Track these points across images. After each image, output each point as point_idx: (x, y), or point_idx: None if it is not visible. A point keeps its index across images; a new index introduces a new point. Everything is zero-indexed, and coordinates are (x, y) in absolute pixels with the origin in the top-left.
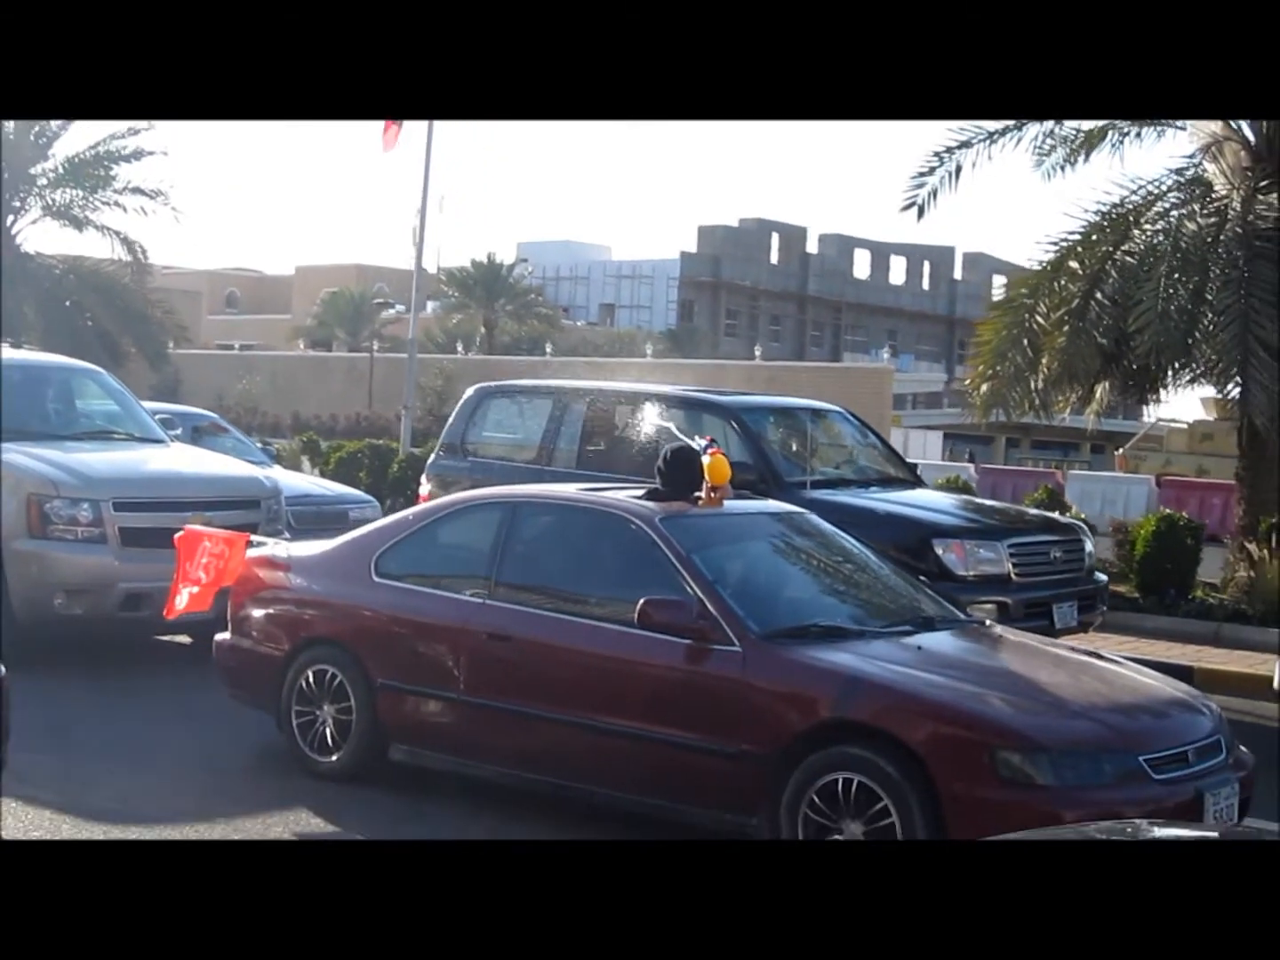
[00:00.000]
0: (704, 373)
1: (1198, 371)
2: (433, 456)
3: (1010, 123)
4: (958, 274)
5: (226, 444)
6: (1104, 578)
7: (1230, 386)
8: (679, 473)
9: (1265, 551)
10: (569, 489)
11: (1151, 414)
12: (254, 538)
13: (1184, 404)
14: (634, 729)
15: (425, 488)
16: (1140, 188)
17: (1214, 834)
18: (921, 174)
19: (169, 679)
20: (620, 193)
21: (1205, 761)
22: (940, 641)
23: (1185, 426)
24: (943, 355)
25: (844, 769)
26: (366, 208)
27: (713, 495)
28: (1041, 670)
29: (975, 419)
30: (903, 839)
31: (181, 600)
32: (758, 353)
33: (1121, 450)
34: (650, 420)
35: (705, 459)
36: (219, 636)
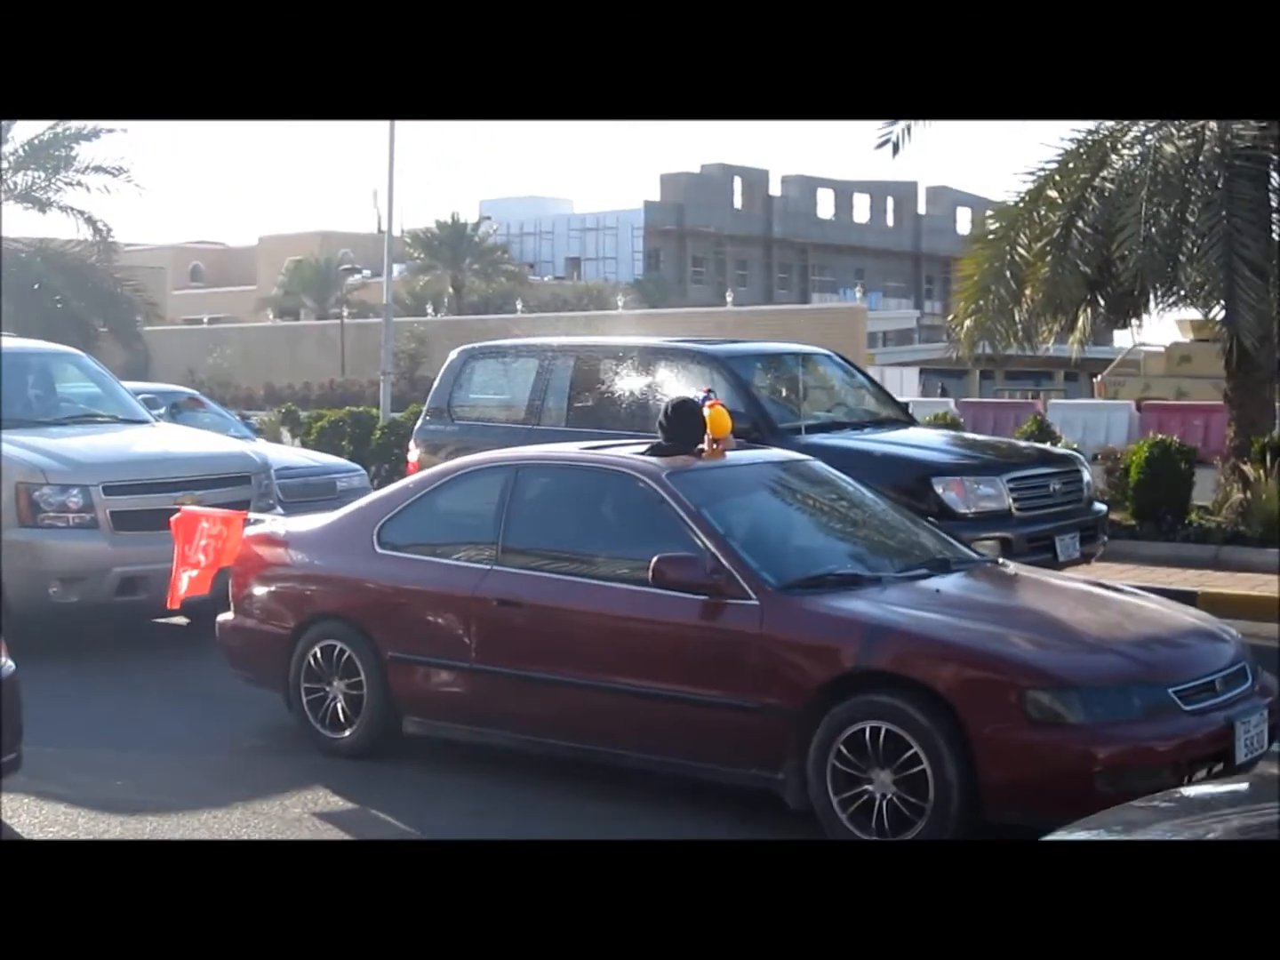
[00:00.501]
0: (677, 321)
1: (1181, 294)
2: (419, 421)
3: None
4: (921, 209)
5: (206, 420)
6: (1103, 507)
7: (1217, 308)
8: (681, 426)
9: (1260, 472)
10: (571, 449)
11: (1131, 338)
12: (251, 515)
13: (1157, 329)
14: (653, 689)
15: (414, 454)
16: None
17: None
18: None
19: (170, 663)
20: (581, 145)
21: (1232, 690)
22: (957, 584)
23: (1162, 350)
24: (910, 291)
25: (870, 718)
26: (327, 173)
27: (715, 447)
28: (1062, 607)
29: (961, 354)
30: (934, 785)
31: (183, 585)
32: (729, 298)
33: (1100, 377)
34: (640, 373)
35: (705, 411)
36: (221, 617)
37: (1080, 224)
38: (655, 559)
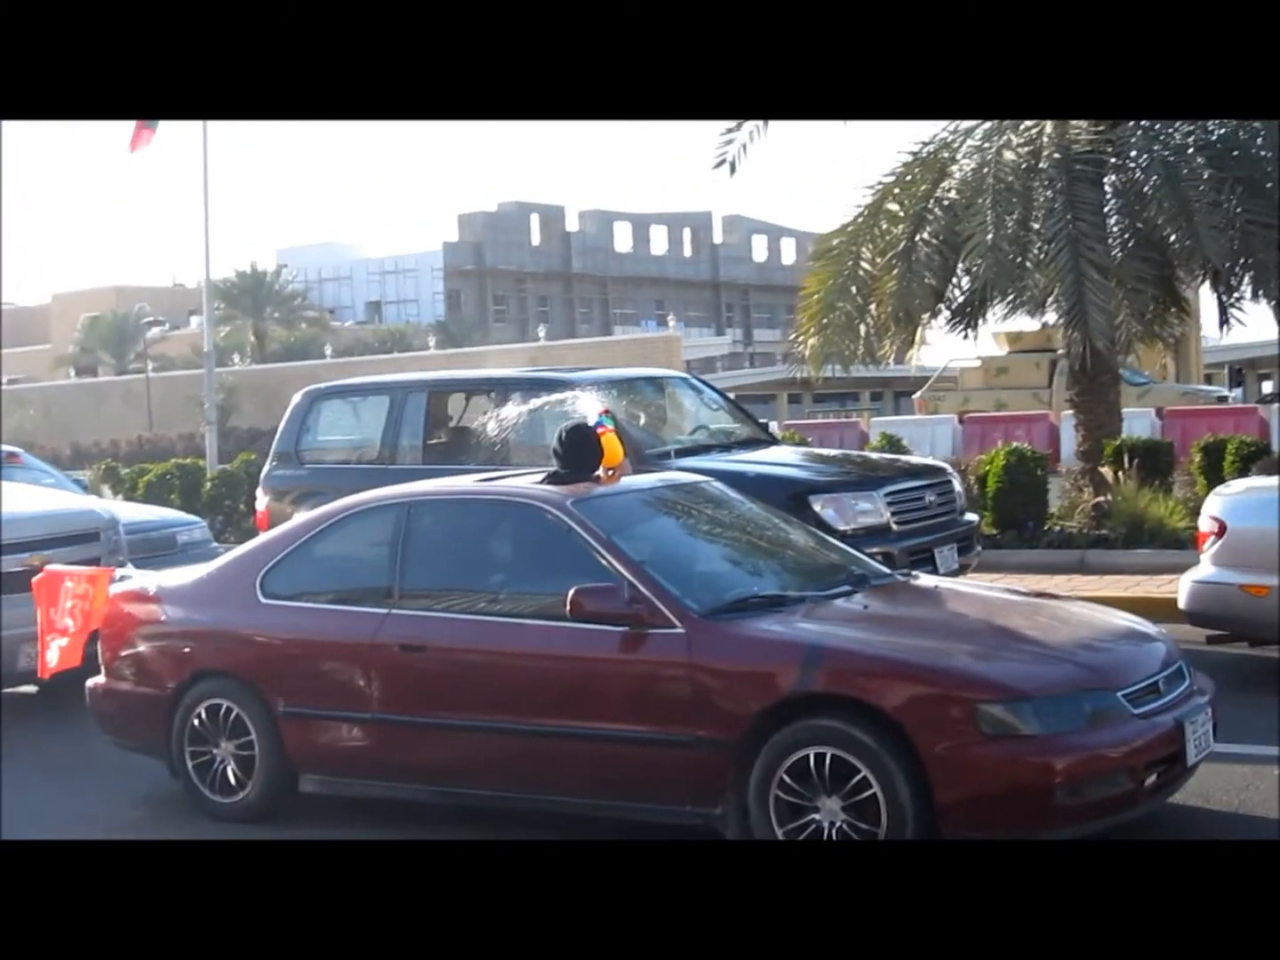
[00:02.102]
0: (492, 359)
1: (1023, 300)
2: (266, 468)
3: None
4: (718, 238)
5: (29, 478)
6: (975, 517)
7: (1068, 311)
8: (577, 452)
9: (1119, 473)
10: (465, 482)
11: (917, 357)
12: (118, 572)
13: (954, 345)
14: (575, 728)
15: (262, 501)
16: (954, 124)
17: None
18: (730, 129)
19: (27, 735)
20: (374, 190)
21: (1174, 690)
22: (881, 599)
23: (978, 363)
24: (711, 319)
25: (814, 743)
26: (119, 227)
27: (610, 474)
28: (995, 616)
29: (810, 373)
30: (887, 809)
31: (52, 655)
32: (541, 333)
33: (919, 393)
34: (496, 406)
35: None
36: (92, 681)
37: (925, 235)
38: (572, 591)
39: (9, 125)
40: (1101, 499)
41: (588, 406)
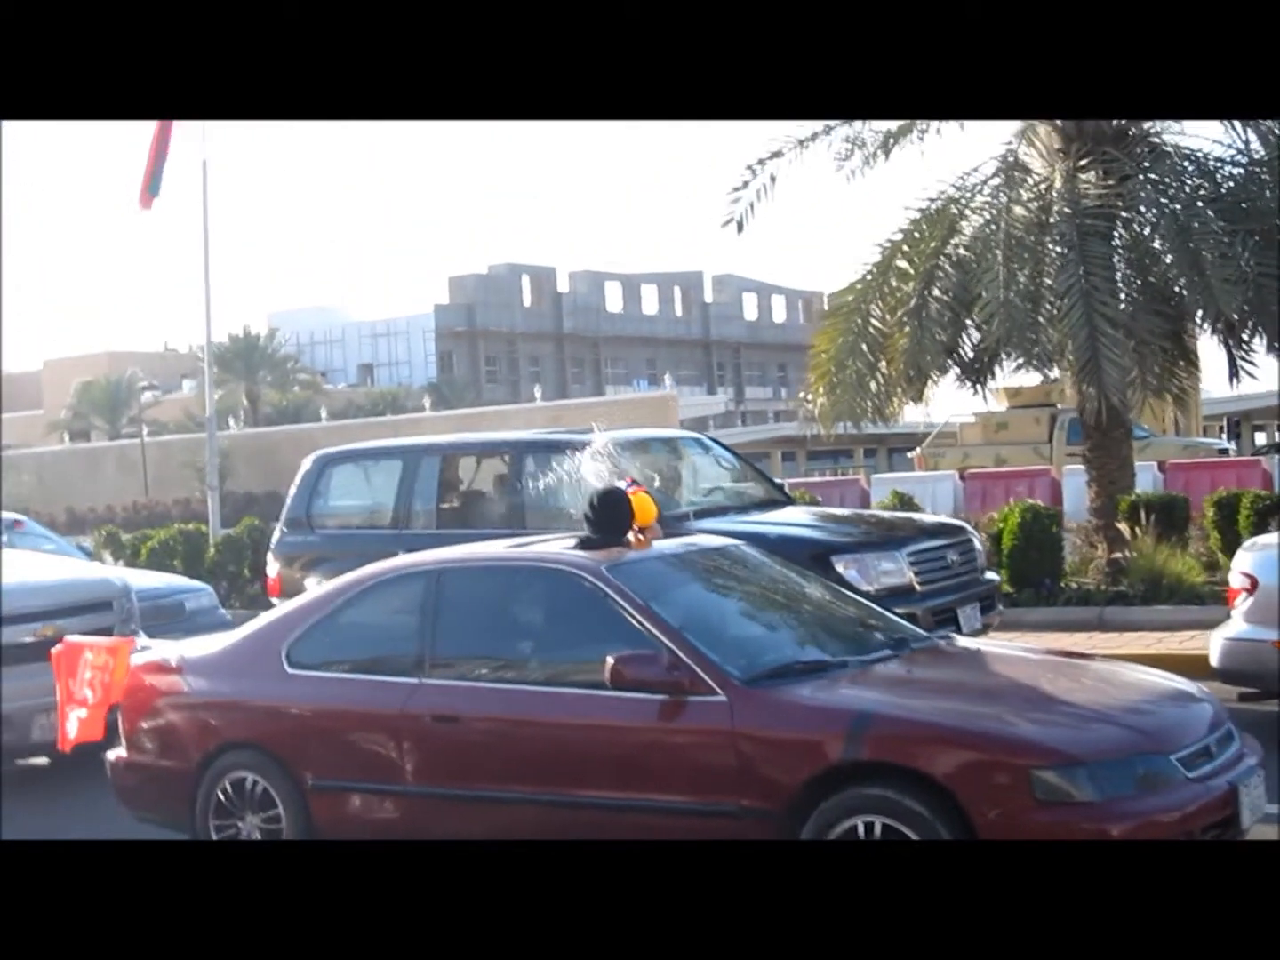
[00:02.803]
0: (489, 420)
1: (1035, 356)
2: (276, 534)
3: (820, 128)
4: (708, 297)
5: (33, 544)
6: (996, 576)
7: (1082, 366)
8: (609, 516)
9: (1136, 529)
10: (495, 548)
11: (988, 400)
12: (139, 642)
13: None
14: (614, 799)
15: (273, 568)
16: (961, 180)
17: None
18: (736, 189)
19: (43, 807)
20: (365, 253)
21: (1226, 752)
22: (924, 663)
23: (976, 419)
24: (703, 378)
25: (863, 812)
26: (109, 292)
27: (642, 537)
28: (1041, 678)
29: (822, 431)
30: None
31: (72, 727)
32: (537, 393)
33: (919, 449)
34: (512, 469)
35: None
36: (112, 754)
37: (936, 292)
38: (612, 659)
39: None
40: (1119, 555)
41: (614, 467)
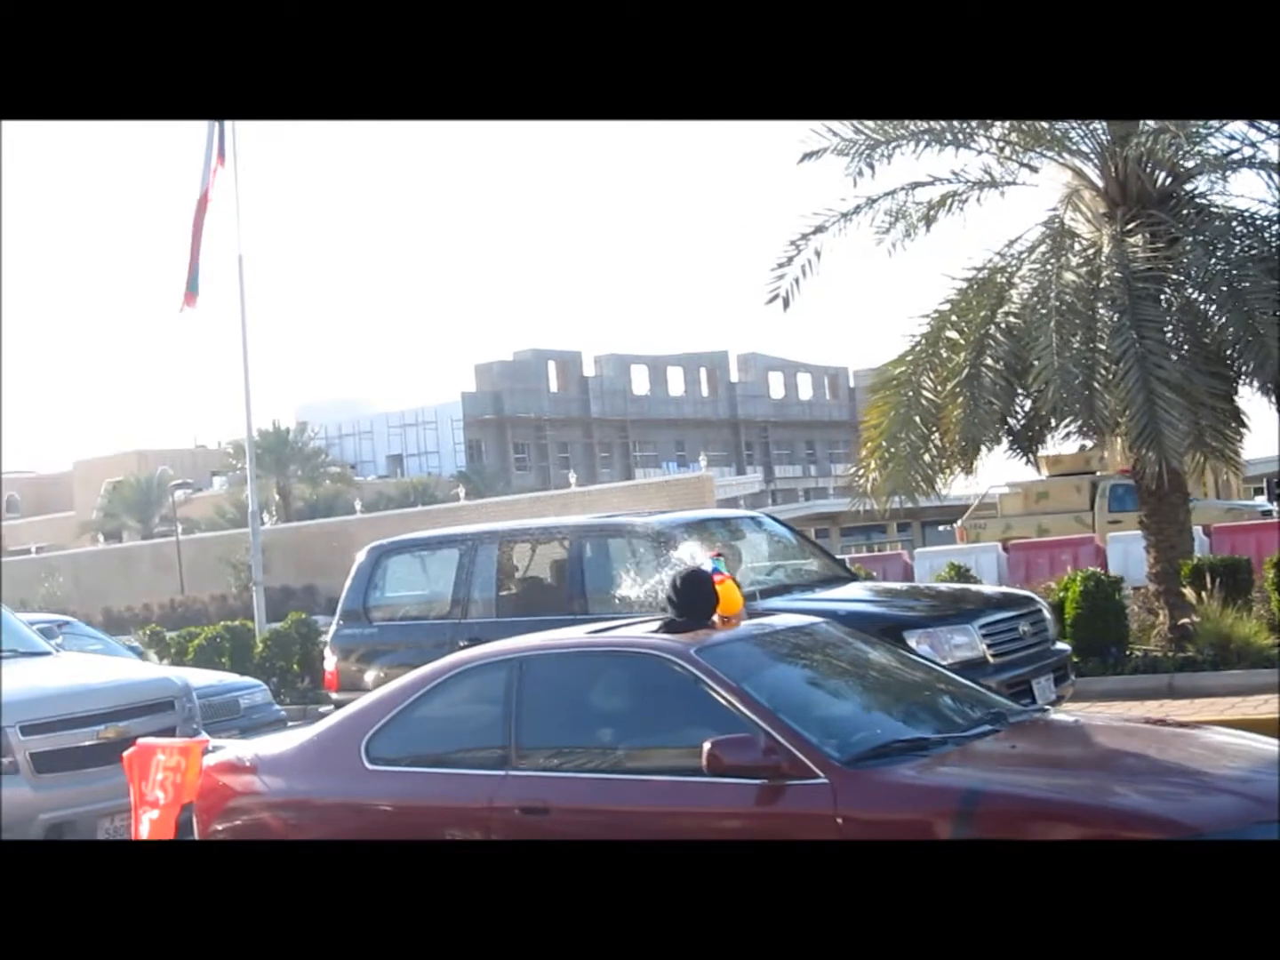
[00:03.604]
0: (526, 507)
1: (1092, 422)
2: (334, 627)
3: (862, 200)
4: (734, 376)
5: (79, 645)
6: (1067, 647)
7: (1140, 431)
8: (693, 599)
9: (1202, 594)
10: (576, 634)
11: (1040, 468)
12: (211, 742)
13: (990, 472)
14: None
15: (331, 661)
16: (1007, 247)
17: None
18: (780, 264)
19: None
20: (390, 344)
21: None
22: (1026, 737)
23: (1017, 489)
24: (731, 459)
25: None
26: (136, 392)
27: (726, 623)
28: (1148, 748)
29: (876, 506)
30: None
31: (144, 829)
32: (571, 479)
33: (960, 522)
34: (572, 554)
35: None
36: None
37: (989, 361)
38: (708, 744)
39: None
40: (1186, 620)
41: (697, 553)
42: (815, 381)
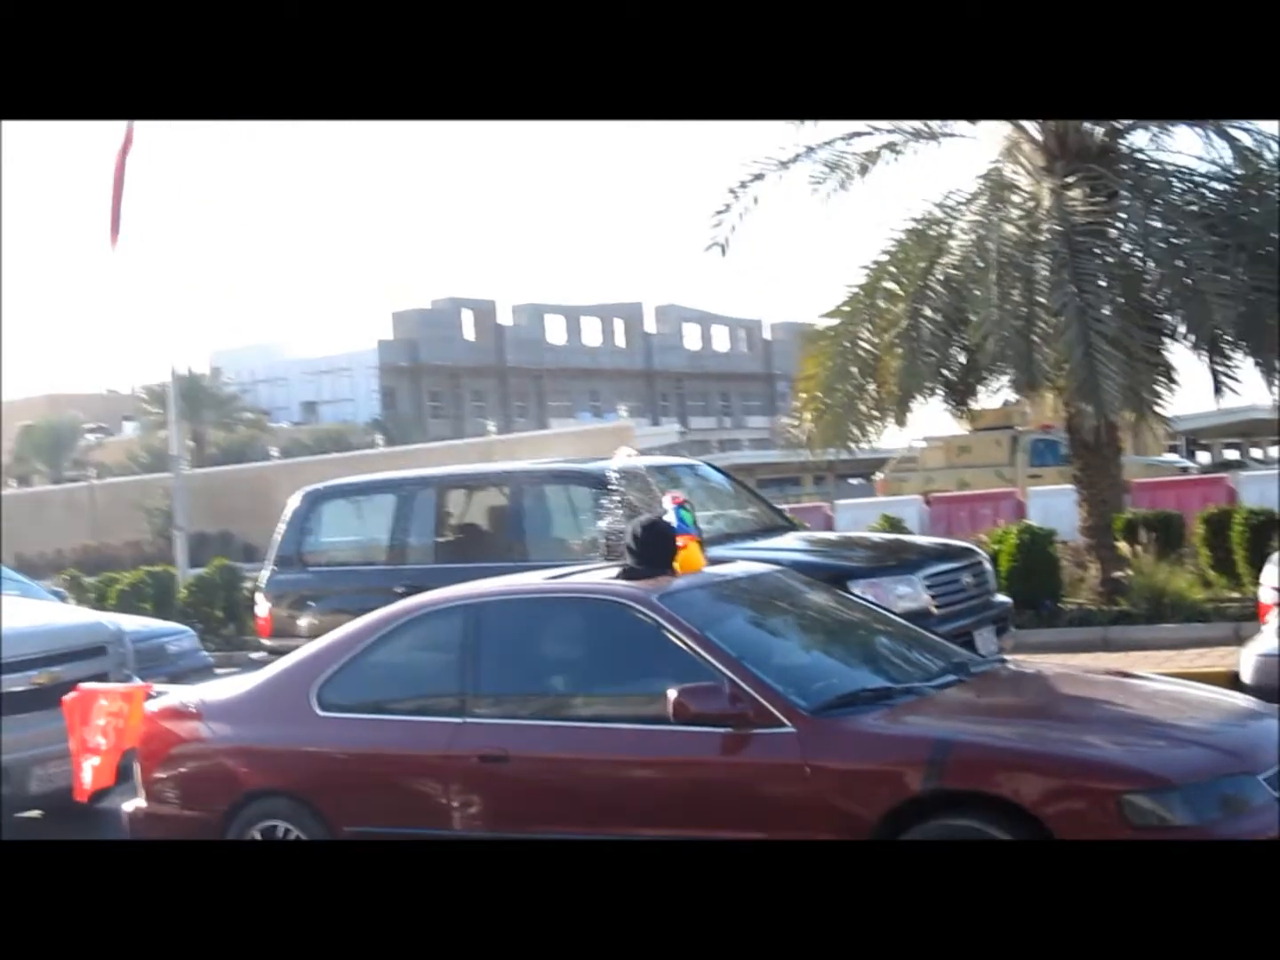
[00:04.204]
0: (446, 454)
1: (1030, 375)
2: (267, 572)
3: (801, 149)
4: (650, 327)
5: (9, 589)
6: (1008, 599)
7: (1080, 385)
8: (654, 548)
9: (1135, 548)
10: (534, 579)
11: (974, 420)
12: (155, 687)
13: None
14: (678, 839)
15: (264, 607)
16: (944, 198)
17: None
18: (719, 212)
19: None
20: (306, 290)
21: None
22: (991, 687)
23: (939, 444)
24: (647, 409)
25: None
26: (48, 335)
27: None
28: (1116, 700)
29: (812, 456)
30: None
31: (86, 776)
32: (491, 428)
33: (881, 474)
34: (514, 500)
35: (678, 541)
36: (129, 805)
37: (928, 312)
38: (674, 692)
39: None
40: (1120, 574)
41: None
42: (731, 334)
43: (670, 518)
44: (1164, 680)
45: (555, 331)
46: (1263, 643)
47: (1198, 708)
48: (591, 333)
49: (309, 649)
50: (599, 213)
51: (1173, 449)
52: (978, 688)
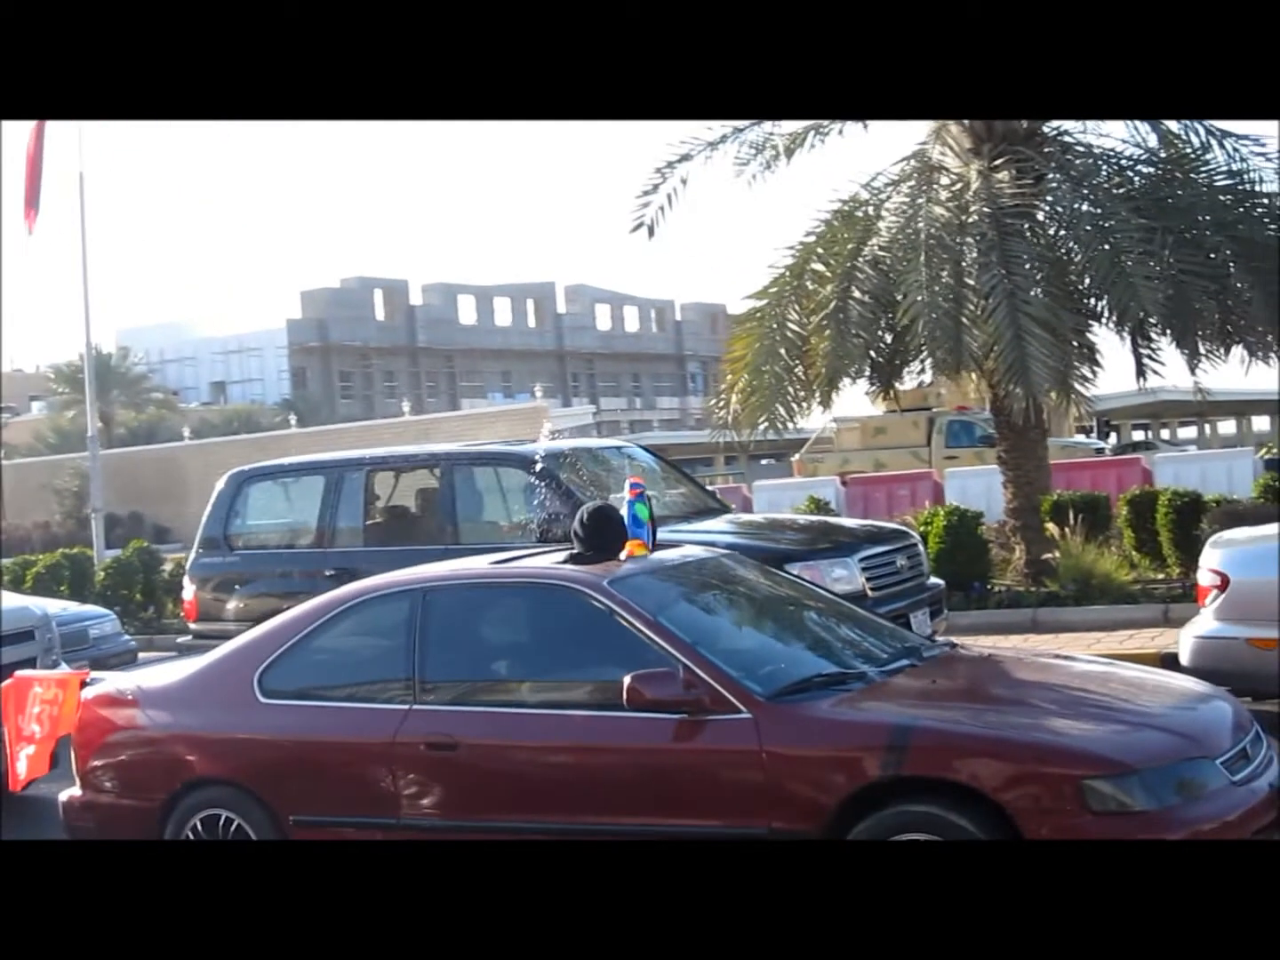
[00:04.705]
0: (360, 435)
1: (960, 356)
2: (192, 555)
3: (729, 129)
4: (561, 308)
5: None
6: (941, 581)
7: (1009, 366)
8: (601, 534)
9: (1064, 530)
10: (479, 564)
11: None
12: (91, 674)
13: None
14: (633, 826)
15: (189, 590)
16: (871, 179)
17: None
18: (646, 192)
19: None
20: (214, 267)
21: (1259, 753)
22: (945, 671)
23: (855, 425)
24: (558, 390)
25: (905, 831)
26: None
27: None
28: (1070, 684)
29: (740, 437)
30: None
31: (21, 766)
32: (405, 408)
33: (797, 456)
34: (446, 482)
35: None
36: (65, 794)
37: (856, 294)
38: (629, 678)
39: None
40: (1048, 555)
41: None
42: (642, 314)
43: (624, 509)
44: (1116, 664)
45: (467, 312)
46: (1201, 624)
47: (1151, 691)
48: (503, 313)
49: (251, 634)
50: (511, 192)
51: (1083, 430)
52: (931, 672)
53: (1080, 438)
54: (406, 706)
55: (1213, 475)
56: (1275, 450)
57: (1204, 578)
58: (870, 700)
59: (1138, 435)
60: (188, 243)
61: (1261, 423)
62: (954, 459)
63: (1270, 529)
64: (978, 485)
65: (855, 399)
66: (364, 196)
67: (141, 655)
